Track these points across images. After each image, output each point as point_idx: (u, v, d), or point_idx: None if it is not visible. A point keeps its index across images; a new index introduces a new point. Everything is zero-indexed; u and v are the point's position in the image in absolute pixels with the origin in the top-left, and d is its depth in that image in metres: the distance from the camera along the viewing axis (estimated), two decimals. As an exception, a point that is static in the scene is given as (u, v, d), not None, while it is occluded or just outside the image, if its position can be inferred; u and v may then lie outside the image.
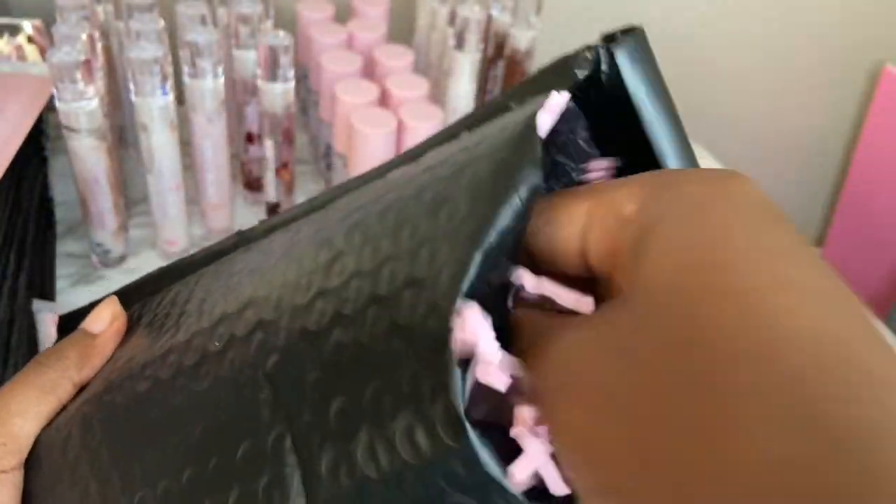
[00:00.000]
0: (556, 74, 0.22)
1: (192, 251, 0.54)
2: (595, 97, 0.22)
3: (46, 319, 0.45)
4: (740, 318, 0.14)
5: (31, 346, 0.44)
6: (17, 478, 0.25)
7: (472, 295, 0.17)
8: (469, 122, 0.24)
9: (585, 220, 0.18)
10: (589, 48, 0.21)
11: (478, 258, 0.17)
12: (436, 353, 0.17)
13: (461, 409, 0.16)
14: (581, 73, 0.21)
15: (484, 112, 0.23)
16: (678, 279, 0.15)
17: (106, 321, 0.27)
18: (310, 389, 0.19)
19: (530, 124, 0.19)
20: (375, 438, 0.18)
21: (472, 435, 0.16)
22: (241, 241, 0.28)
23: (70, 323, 0.31)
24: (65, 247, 0.54)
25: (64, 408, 0.26)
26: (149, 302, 0.29)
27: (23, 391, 0.26)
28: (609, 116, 0.22)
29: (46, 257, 0.52)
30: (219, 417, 0.22)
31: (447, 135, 0.24)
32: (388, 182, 0.23)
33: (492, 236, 0.18)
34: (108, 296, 0.29)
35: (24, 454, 0.25)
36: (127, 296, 0.29)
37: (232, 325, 0.23)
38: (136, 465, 0.23)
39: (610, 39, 0.21)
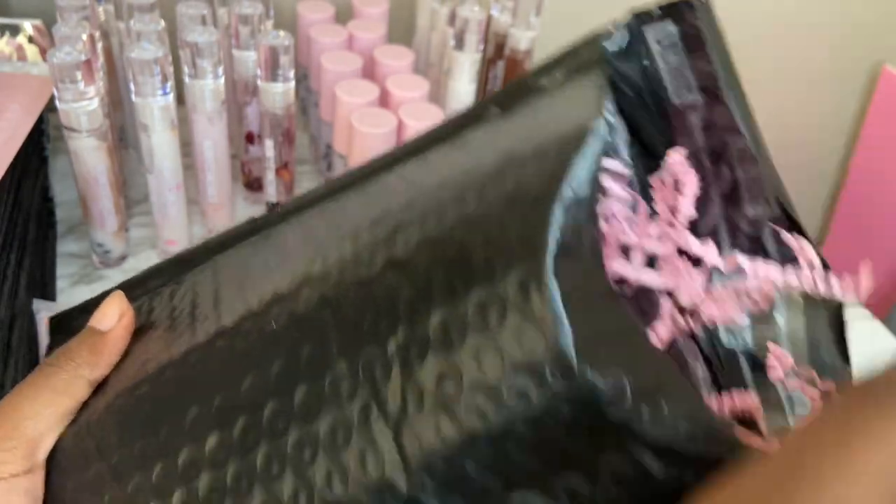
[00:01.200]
0: (586, 51, 0.22)
1: (192, 251, 0.55)
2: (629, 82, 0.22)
3: (46, 320, 0.45)
4: None
5: (31, 346, 0.44)
6: (30, 482, 0.24)
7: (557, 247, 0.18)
8: (499, 100, 0.23)
9: None
10: (617, 24, 0.22)
11: (558, 211, 0.18)
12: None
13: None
14: (611, 47, 0.21)
15: (516, 90, 0.23)
16: None
17: (114, 317, 0.27)
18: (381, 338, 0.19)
19: (583, 133, 0.19)
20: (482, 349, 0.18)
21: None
22: (255, 228, 0.27)
23: (62, 323, 0.31)
24: (65, 247, 0.54)
25: (85, 406, 0.26)
26: (158, 294, 0.28)
27: (34, 393, 0.25)
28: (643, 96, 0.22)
29: (47, 257, 0.52)
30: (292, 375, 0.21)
31: (473, 115, 0.24)
32: (429, 161, 0.23)
33: (568, 191, 0.18)
34: (111, 290, 0.29)
35: (39, 458, 0.25)
36: (130, 290, 0.29)
37: (288, 304, 0.22)
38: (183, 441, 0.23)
39: (643, 15, 0.22)
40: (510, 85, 0.24)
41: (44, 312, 0.45)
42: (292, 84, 0.50)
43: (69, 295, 0.50)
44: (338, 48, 0.57)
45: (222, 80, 0.48)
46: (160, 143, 0.48)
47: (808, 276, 0.24)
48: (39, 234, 0.51)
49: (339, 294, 0.21)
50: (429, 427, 0.18)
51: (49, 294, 0.50)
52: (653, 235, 0.23)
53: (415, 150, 0.24)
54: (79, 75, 0.43)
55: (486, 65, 0.65)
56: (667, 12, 0.21)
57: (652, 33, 0.21)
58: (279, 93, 0.50)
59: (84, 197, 0.49)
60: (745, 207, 0.23)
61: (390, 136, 0.50)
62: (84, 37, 0.46)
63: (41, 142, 0.55)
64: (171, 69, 0.46)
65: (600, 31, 0.22)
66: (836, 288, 0.24)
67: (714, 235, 0.24)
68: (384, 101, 0.53)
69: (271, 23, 0.56)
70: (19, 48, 0.54)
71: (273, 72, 0.49)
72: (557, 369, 0.17)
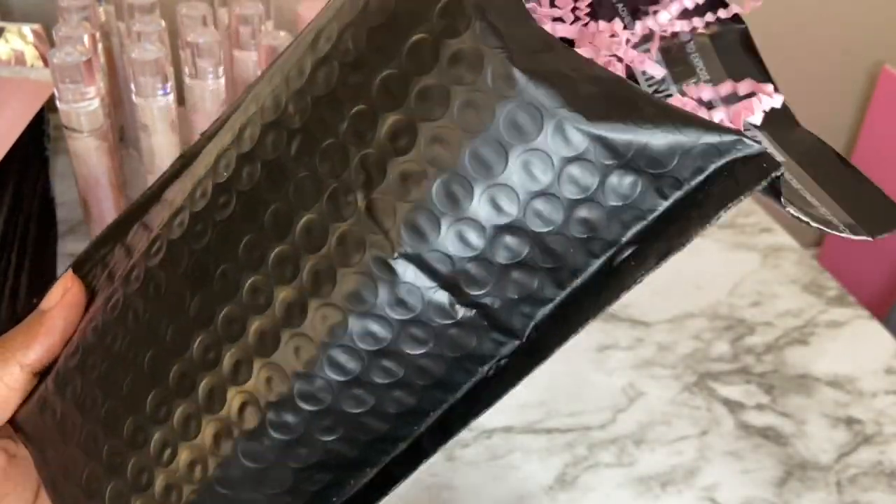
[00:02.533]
0: None
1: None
2: None
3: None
4: None
5: (32, 346, 0.44)
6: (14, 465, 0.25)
7: None
8: None
9: None
10: None
11: None
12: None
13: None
14: None
15: None
16: None
17: (57, 296, 0.26)
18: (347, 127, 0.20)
19: None
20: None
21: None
22: (186, 160, 0.26)
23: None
24: (66, 247, 0.54)
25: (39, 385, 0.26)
26: (103, 262, 0.27)
27: None
28: None
29: (48, 257, 0.52)
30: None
31: None
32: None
33: None
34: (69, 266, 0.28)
35: None
36: (81, 266, 0.28)
37: (235, 150, 0.22)
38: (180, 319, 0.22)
39: None
40: None
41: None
42: (292, 84, 0.50)
43: (70, 295, 0.50)
44: (338, 48, 0.57)
45: (223, 81, 0.49)
46: (160, 143, 0.48)
47: (710, 17, 0.26)
48: (40, 234, 0.51)
49: (279, 117, 0.21)
50: (397, 188, 0.19)
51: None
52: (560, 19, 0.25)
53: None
54: (79, 75, 0.43)
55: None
56: None
57: None
58: (279, 93, 0.50)
59: (85, 197, 0.49)
60: None
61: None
62: (85, 37, 0.46)
63: (42, 142, 0.55)
64: (171, 69, 0.46)
65: None
66: (736, 9, 0.27)
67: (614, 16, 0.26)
68: (384, 101, 0.53)
69: (271, 23, 0.56)
70: (18, 52, 0.54)
71: (273, 72, 0.49)
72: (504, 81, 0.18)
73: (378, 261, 0.19)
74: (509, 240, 0.19)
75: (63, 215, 0.56)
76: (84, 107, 0.44)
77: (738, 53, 0.28)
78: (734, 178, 0.19)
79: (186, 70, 0.48)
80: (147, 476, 0.22)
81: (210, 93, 0.48)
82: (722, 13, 0.26)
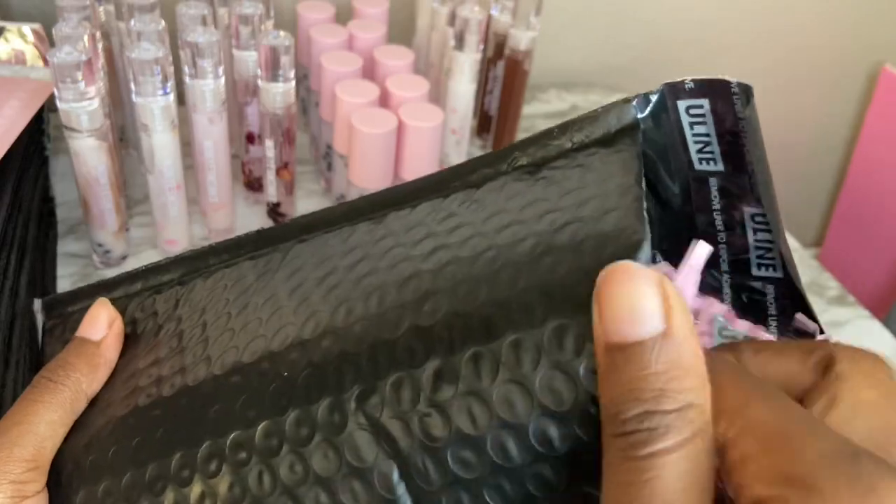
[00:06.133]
0: (616, 116, 0.22)
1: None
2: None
3: (40, 303, 0.45)
4: None
5: (32, 346, 0.44)
6: (44, 499, 0.24)
7: None
8: (527, 153, 0.24)
9: None
10: (648, 93, 0.22)
11: None
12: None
13: None
14: (640, 113, 0.22)
15: (544, 148, 0.24)
16: None
17: (104, 326, 0.26)
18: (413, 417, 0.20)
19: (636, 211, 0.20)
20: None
21: None
22: (261, 241, 0.27)
23: (55, 307, 0.30)
24: (66, 247, 0.54)
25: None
26: (141, 299, 0.28)
27: (46, 412, 0.25)
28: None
29: (47, 257, 0.52)
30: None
31: (497, 166, 0.24)
32: (456, 216, 0.24)
33: None
34: (97, 284, 0.28)
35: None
36: (109, 289, 0.28)
37: (308, 352, 0.22)
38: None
39: (676, 86, 0.22)
40: (538, 140, 0.24)
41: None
42: (292, 84, 0.50)
43: (70, 295, 0.50)
44: (338, 48, 0.57)
45: (223, 81, 0.48)
46: (161, 143, 0.48)
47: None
48: (40, 234, 0.51)
49: (359, 351, 0.21)
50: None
51: (49, 294, 0.50)
52: None
53: (437, 188, 0.25)
54: (79, 75, 0.43)
55: (486, 65, 0.65)
56: (699, 88, 0.22)
57: (682, 105, 0.22)
58: (279, 93, 0.50)
59: (84, 197, 0.49)
60: (753, 271, 0.24)
61: (390, 136, 0.50)
62: (85, 37, 0.46)
63: (42, 142, 0.55)
64: (171, 69, 0.46)
65: (631, 98, 0.22)
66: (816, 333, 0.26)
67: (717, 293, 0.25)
68: (384, 101, 0.53)
69: (272, 23, 0.56)
70: (18, 52, 0.54)
71: (273, 72, 0.49)
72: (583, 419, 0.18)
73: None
74: None
75: (63, 215, 0.56)
76: (84, 107, 0.44)
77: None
78: None
79: (186, 70, 0.48)
80: None
81: (210, 93, 0.48)
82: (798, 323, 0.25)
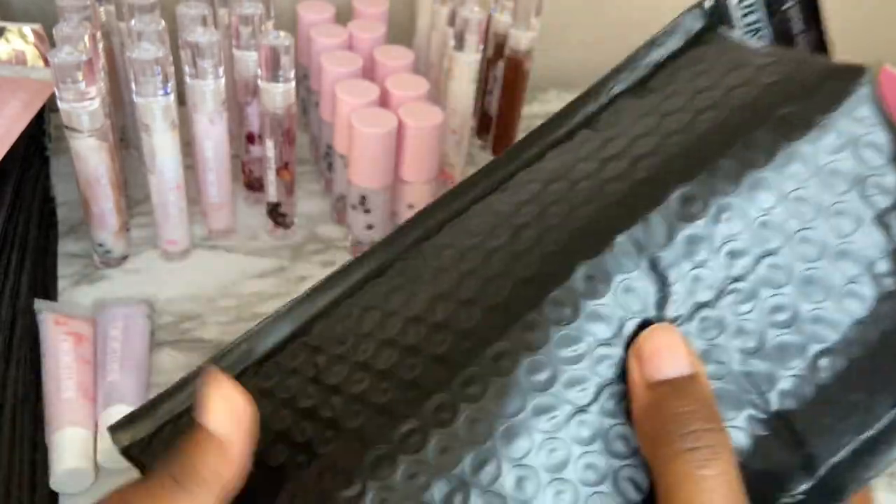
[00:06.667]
0: (689, 20, 0.27)
1: (192, 251, 0.55)
2: None
3: (48, 319, 0.45)
4: None
5: (32, 346, 0.44)
6: None
7: None
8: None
9: None
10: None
11: None
12: None
13: None
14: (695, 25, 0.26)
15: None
16: None
17: (231, 419, 0.22)
18: None
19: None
20: None
21: None
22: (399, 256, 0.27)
23: (150, 444, 0.26)
24: (66, 247, 0.54)
25: None
26: (277, 369, 0.25)
27: None
28: None
29: (48, 257, 0.52)
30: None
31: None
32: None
33: None
34: (205, 367, 0.24)
35: None
36: (229, 366, 0.26)
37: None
38: None
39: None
40: (622, 69, 0.28)
41: (45, 312, 0.46)
42: (293, 84, 0.50)
43: (70, 295, 0.50)
44: (338, 48, 0.57)
45: (223, 81, 0.49)
46: (161, 143, 0.48)
47: None
48: (41, 234, 0.51)
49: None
50: None
51: (50, 294, 0.50)
52: None
53: (559, 135, 0.29)
54: (80, 75, 0.43)
55: (486, 65, 0.65)
56: None
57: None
58: (279, 93, 0.50)
59: (85, 197, 0.49)
60: None
61: (390, 136, 0.50)
62: (85, 37, 0.46)
63: (42, 142, 0.55)
64: (171, 69, 0.46)
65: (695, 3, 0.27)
66: None
67: None
68: (384, 101, 0.53)
69: (272, 23, 0.56)
70: (19, 52, 0.54)
71: (273, 72, 0.49)
72: None
73: None
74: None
75: (63, 215, 0.56)
76: (85, 107, 0.44)
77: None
78: None
79: (187, 70, 0.48)
80: None
81: (210, 93, 0.48)
82: None
